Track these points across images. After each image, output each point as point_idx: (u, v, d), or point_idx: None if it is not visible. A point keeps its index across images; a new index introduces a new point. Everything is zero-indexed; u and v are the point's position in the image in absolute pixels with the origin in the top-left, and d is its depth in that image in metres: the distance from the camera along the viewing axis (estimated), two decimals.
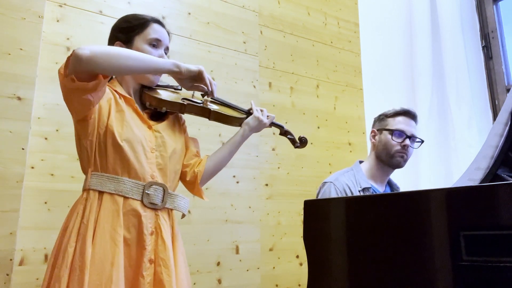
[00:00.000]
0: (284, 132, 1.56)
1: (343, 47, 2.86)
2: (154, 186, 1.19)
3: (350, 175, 1.63)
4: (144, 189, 1.16)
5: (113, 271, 1.05)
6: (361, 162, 1.75)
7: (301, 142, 1.55)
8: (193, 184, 1.35)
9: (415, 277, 0.67)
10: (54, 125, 1.78)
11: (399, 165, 1.65)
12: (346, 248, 0.80)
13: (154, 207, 1.18)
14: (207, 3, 2.32)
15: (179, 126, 1.38)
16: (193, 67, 1.21)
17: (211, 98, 1.37)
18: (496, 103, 2.57)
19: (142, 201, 1.16)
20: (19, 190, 1.64)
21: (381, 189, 1.67)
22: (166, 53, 1.33)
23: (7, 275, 1.57)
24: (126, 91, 1.26)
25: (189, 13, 2.25)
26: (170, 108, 1.29)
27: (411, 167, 2.48)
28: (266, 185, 2.34)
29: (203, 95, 1.30)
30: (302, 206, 0.89)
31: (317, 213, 0.87)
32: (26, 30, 1.76)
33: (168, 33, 1.36)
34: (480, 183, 0.73)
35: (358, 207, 0.81)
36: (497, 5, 2.69)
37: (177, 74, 1.20)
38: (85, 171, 1.19)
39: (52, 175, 1.75)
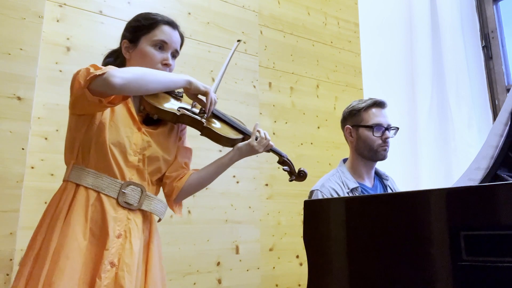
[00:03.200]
0: (282, 162, 1.43)
1: (343, 47, 2.86)
2: (131, 186, 1.17)
3: (336, 178, 1.60)
4: (121, 188, 1.14)
5: (67, 264, 1.03)
6: (345, 159, 1.72)
7: (299, 176, 1.42)
8: (168, 197, 1.30)
9: (415, 277, 0.67)
10: (54, 125, 1.78)
11: (384, 158, 1.62)
12: (346, 248, 0.80)
13: (128, 207, 1.15)
14: (207, 3, 2.32)
15: (176, 134, 1.33)
16: (202, 87, 1.22)
17: (212, 113, 1.33)
18: (496, 103, 2.57)
19: (117, 199, 1.14)
20: (19, 190, 1.64)
21: (369, 183, 1.65)
22: (175, 56, 1.31)
23: (7, 275, 1.57)
24: None
25: (189, 13, 2.25)
26: (161, 116, 1.24)
27: (411, 167, 2.49)
28: (266, 185, 2.34)
29: (201, 110, 1.28)
30: (302, 206, 0.89)
31: (317, 213, 0.87)
32: (26, 30, 1.76)
33: (182, 36, 1.34)
34: (480, 183, 0.73)
35: (358, 207, 0.81)
36: (497, 5, 2.69)
37: (187, 89, 1.22)
38: (67, 162, 1.20)
39: (52, 175, 1.75)
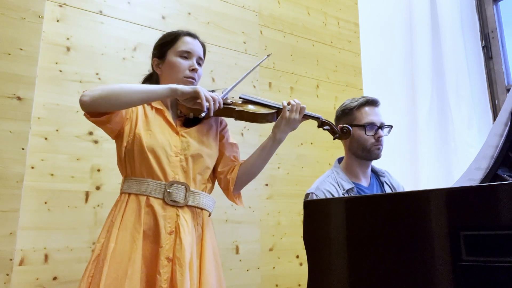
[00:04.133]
0: (321, 124, 1.43)
1: (343, 47, 2.86)
2: (175, 185, 1.26)
3: (331, 179, 1.58)
4: (165, 188, 1.25)
5: (129, 266, 1.14)
6: (340, 159, 1.70)
7: (342, 133, 1.41)
8: (227, 190, 1.41)
9: (415, 277, 0.67)
10: (54, 125, 1.78)
11: (378, 157, 1.61)
12: (346, 248, 0.80)
13: (175, 205, 1.25)
14: (207, 3, 2.32)
15: (216, 131, 1.43)
16: (189, 89, 1.25)
17: (240, 98, 1.41)
18: (496, 103, 2.57)
19: (163, 199, 1.24)
20: (19, 190, 1.64)
21: (365, 183, 1.63)
22: (200, 64, 1.41)
23: (7, 275, 1.57)
24: (163, 103, 1.38)
25: (189, 13, 2.25)
26: (196, 114, 1.31)
27: (411, 167, 2.49)
28: (266, 185, 2.34)
29: (199, 114, 1.27)
30: (302, 206, 0.89)
31: (317, 213, 0.87)
32: (26, 30, 1.76)
33: (203, 45, 1.45)
34: (480, 183, 0.73)
35: (358, 207, 0.81)
36: (497, 5, 2.69)
37: (177, 96, 1.27)
38: (122, 178, 1.34)
39: (52, 175, 1.75)
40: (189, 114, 1.34)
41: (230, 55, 2.34)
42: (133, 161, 1.28)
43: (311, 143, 2.55)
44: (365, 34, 2.89)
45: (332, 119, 2.65)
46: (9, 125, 1.66)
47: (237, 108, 1.36)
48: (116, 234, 1.20)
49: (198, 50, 1.41)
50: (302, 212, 1.03)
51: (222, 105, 1.29)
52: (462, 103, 2.43)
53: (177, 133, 1.33)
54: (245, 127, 2.28)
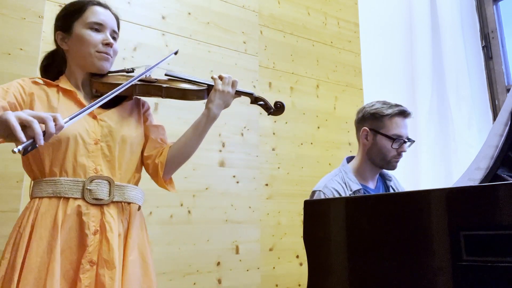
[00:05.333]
0: (254, 99, 1.36)
1: (343, 47, 2.86)
2: (96, 180, 1.10)
3: (339, 179, 1.55)
4: (84, 186, 1.08)
5: (47, 279, 0.98)
6: (349, 158, 1.67)
7: (276, 108, 1.35)
8: (156, 176, 1.25)
9: (415, 277, 0.67)
10: None
11: (393, 169, 1.59)
12: (346, 248, 0.80)
13: (99, 203, 1.09)
14: (207, 3, 2.32)
15: (138, 112, 1.28)
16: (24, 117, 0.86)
17: (167, 75, 1.29)
18: (496, 103, 2.57)
19: (83, 198, 1.07)
20: (19, 190, 1.64)
21: (372, 185, 1.62)
22: (115, 38, 1.24)
23: None
24: (74, 84, 1.20)
25: (189, 13, 2.25)
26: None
27: (411, 167, 2.49)
28: (266, 185, 2.34)
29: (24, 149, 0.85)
30: (302, 206, 0.89)
31: (317, 213, 0.87)
32: (26, 30, 1.76)
33: (116, 17, 1.27)
34: (480, 183, 0.73)
35: (358, 207, 0.81)
36: (497, 5, 2.69)
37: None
38: (30, 183, 1.14)
39: None
40: (106, 91, 1.13)
41: (230, 55, 2.34)
42: (40, 159, 1.09)
43: (311, 143, 2.55)
44: (365, 34, 2.89)
45: (332, 119, 2.67)
46: None
47: (164, 85, 1.24)
48: (25, 247, 1.02)
49: (111, 22, 1.23)
50: (302, 212, 1.03)
51: (62, 126, 0.89)
52: (462, 103, 2.43)
53: (94, 117, 1.15)
54: (245, 127, 2.29)
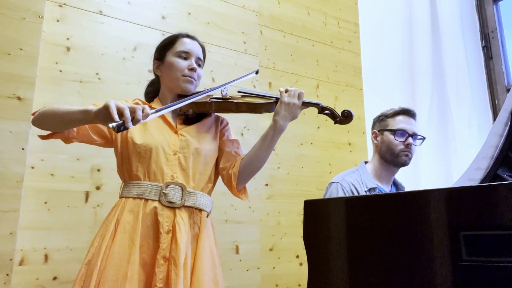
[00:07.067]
0: (321, 109, 1.38)
1: (343, 47, 2.86)
2: (171, 186, 1.26)
3: (356, 176, 1.63)
4: (161, 190, 1.25)
5: (128, 268, 1.15)
6: (366, 163, 1.75)
7: (344, 117, 1.36)
8: (230, 186, 1.38)
9: (415, 277, 0.67)
10: None
11: (405, 164, 1.66)
12: (346, 248, 0.80)
13: (172, 206, 1.24)
14: (207, 3, 2.32)
15: (216, 128, 1.44)
16: (100, 106, 1.07)
17: (239, 92, 1.42)
18: (496, 103, 2.57)
19: (159, 201, 1.24)
20: (19, 190, 1.64)
21: (387, 189, 1.67)
22: (200, 65, 1.42)
23: (7, 275, 1.57)
24: (162, 102, 1.40)
25: (189, 13, 2.25)
26: (196, 110, 1.34)
27: (411, 167, 2.49)
28: (266, 185, 2.34)
29: (117, 127, 1.03)
30: (302, 206, 0.89)
31: (317, 213, 0.87)
32: (26, 30, 1.76)
33: (202, 47, 1.46)
34: (480, 183, 0.73)
35: (358, 207, 0.81)
36: (497, 5, 2.69)
37: (92, 118, 1.10)
38: (122, 183, 1.34)
39: (52, 175, 1.75)
40: (188, 110, 1.34)
41: (230, 55, 2.34)
42: (130, 165, 1.28)
43: (311, 143, 2.55)
44: (365, 34, 2.89)
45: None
46: (9, 125, 1.66)
47: (235, 101, 1.36)
48: (111, 238, 1.20)
49: (197, 50, 1.42)
50: (302, 212, 1.03)
51: (148, 114, 1.06)
52: (462, 103, 2.43)
53: (175, 132, 1.34)
54: (245, 127, 2.28)
